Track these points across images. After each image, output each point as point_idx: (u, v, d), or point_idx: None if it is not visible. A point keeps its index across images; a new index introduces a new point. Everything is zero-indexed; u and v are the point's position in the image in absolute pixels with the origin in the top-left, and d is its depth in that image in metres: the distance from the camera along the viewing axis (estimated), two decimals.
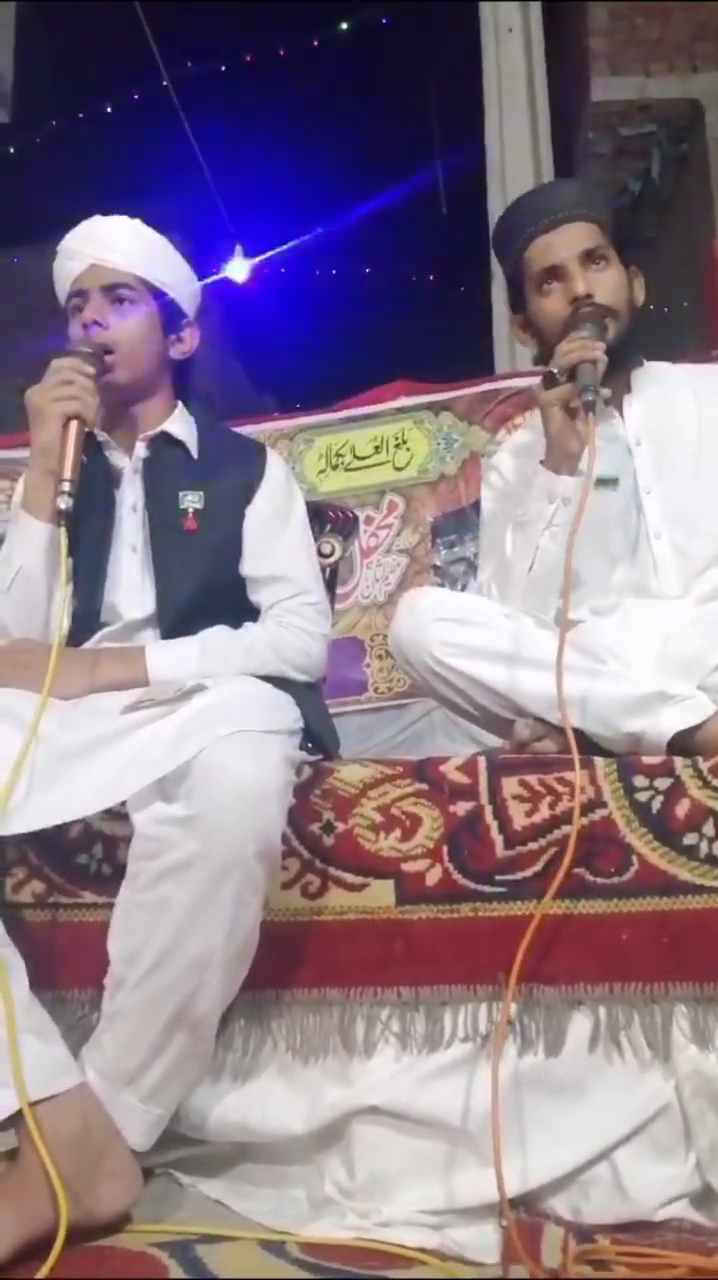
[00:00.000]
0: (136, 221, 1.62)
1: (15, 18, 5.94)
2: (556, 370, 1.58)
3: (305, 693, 1.51)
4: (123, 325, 1.55)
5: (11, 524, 1.49)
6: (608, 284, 1.66)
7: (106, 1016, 1.18)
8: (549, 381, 1.60)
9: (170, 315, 1.62)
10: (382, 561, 3.54)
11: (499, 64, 4.49)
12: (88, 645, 1.52)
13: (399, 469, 3.59)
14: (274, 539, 1.59)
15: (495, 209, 4.43)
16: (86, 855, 1.31)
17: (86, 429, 1.43)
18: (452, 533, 3.49)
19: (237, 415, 3.60)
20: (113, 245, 1.58)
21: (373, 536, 3.55)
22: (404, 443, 3.60)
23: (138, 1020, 1.15)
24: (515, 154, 4.38)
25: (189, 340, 1.65)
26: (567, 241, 1.66)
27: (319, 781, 1.34)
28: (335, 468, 3.63)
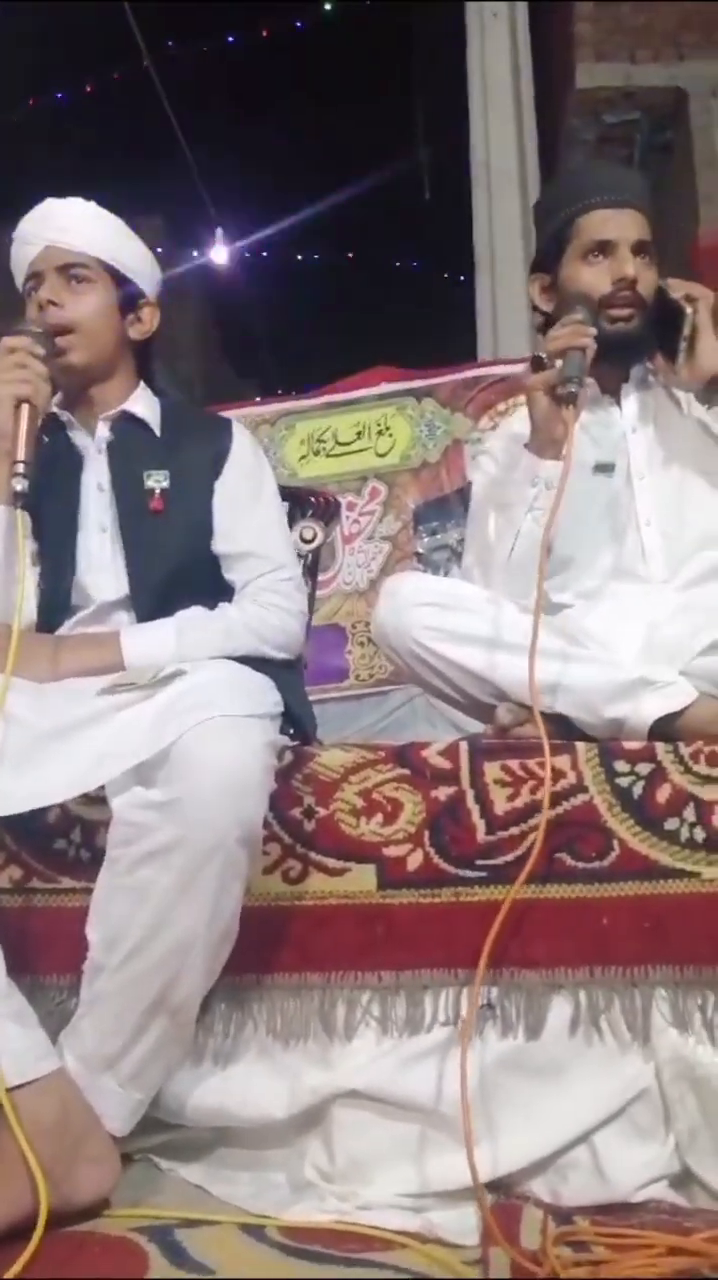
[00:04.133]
0: (92, 204, 1.61)
1: None
2: (544, 355, 1.57)
3: (286, 675, 1.49)
4: (79, 305, 1.54)
5: None
6: (648, 278, 1.68)
7: (85, 1002, 1.17)
8: (537, 365, 1.60)
9: (128, 295, 1.60)
10: (363, 548, 3.53)
11: (484, 49, 4.48)
12: (63, 630, 1.50)
13: (381, 455, 3.58)
14: (245, 515, 1.57)
15: (480, 194, 4.42)
16: (64, 840, 1.30)
17: (40, 412, 1.40)
18: (434, 519, 3.49)
19: (218, 400, 3.58)
20: (67, 226, 1.57)
21: (355, 523, 3.54)
22: (387, 429, 3.59)
23: (118, 1005, 1.15)
24: (500, 139, 4.37)
25: (148, 320, 1.63)
26: (627, 224, 1.67)
27: (300, 766, 1.33)
28: (317, 453, 3.62)
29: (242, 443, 1.62)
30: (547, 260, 1.74)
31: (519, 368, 3.26)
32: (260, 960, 1.27)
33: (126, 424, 1.59)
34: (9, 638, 1.26)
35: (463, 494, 3.27)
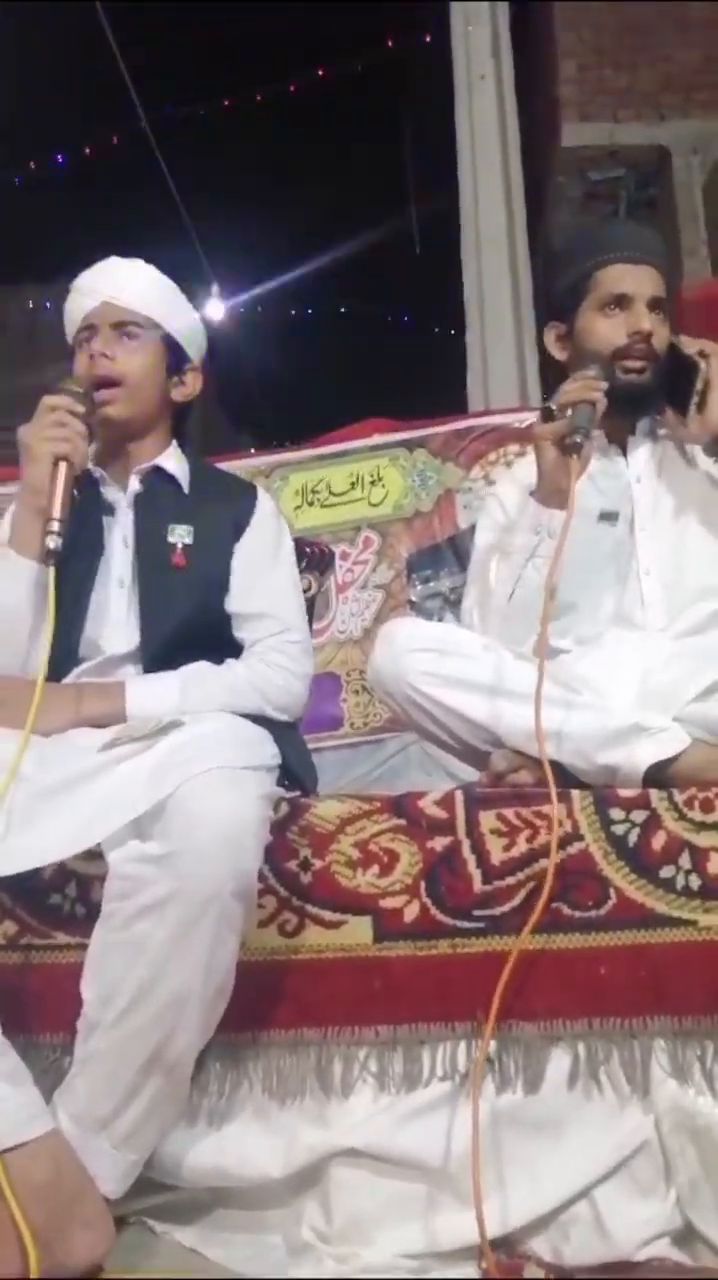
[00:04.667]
0: (151, 267, 1.66)
1: None
2: (554, 406, 1.61)
3: (283, 729, 1.50)
4: (128, 360, 1.58)
5: None
6: (662, 334, 1.72)
7: (79, 1060, 1.16)
8: (547, 416, 1.63)
9: (175, 357, 1.64)
10: (358, 596, 3.54)
11: (472, 110, 4.59)
12: (67, 680, 1.51)
13: (374, 505, 3.60)
14: (261, 576, 1.60)
15: (469, 251, 4.50)
16: (59, 895, 1.29)
17: (77, 469, 1.43)
18: (427, 568, 3.50)
19: (214, 452, 3.61)
20: (125, 285, 1.61)
21: (349, 572, 3.55)
22: (379, 479, 3.62)
23: (112, 1063, 1.14)
24: (488, 196, 4.46)
25: (191, 384, 1.68)
26: (644, 280, 1.72)
27: (296, 818, 1.33)
28: (311, 504, 3.64)
29: (264, 508, 1.65)
30: (563, 310, 1.79)
31: (509, 418, 3.30)
32: (256, 1016, 1.25)
33: (156, 479, 1.62)
34: (29, 690, 1.26)
35: (455, 542, 3.29)
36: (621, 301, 1.71)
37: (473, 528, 3.41)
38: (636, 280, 1.72)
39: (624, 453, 1.78)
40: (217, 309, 7.58)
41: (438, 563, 3.42)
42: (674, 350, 1.69)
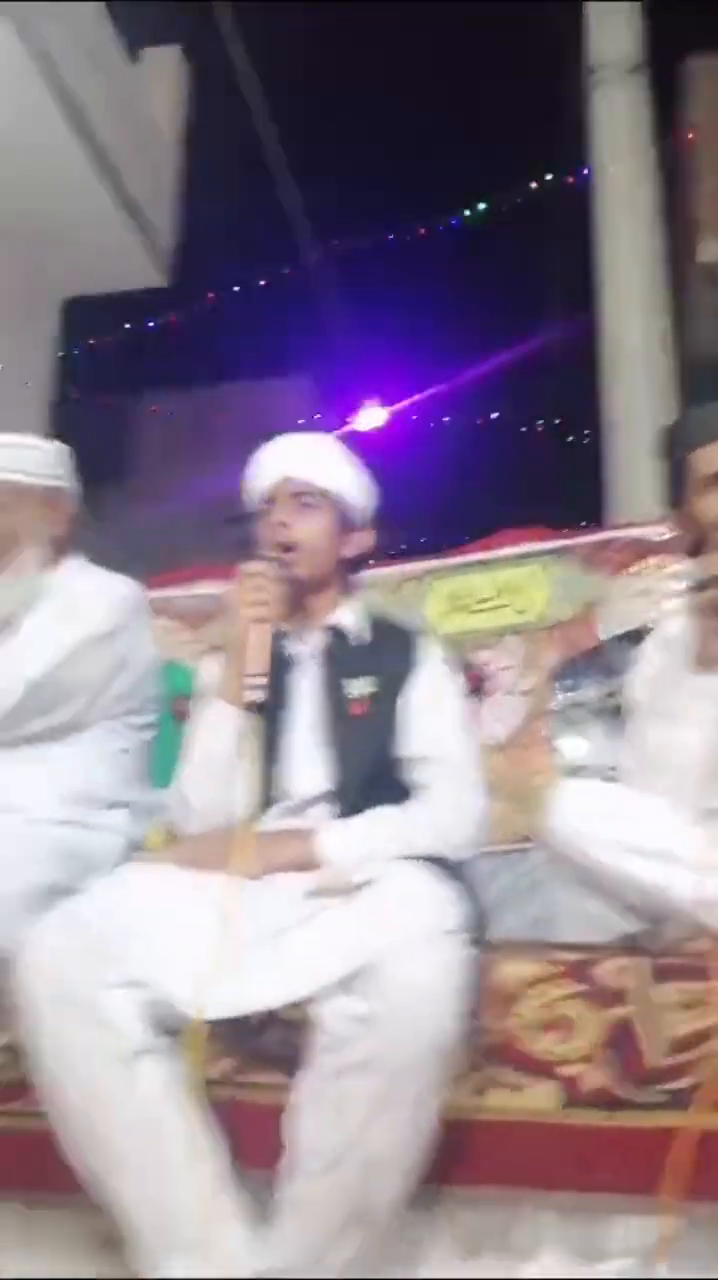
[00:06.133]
0: (326, 440, 1.85)
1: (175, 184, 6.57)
2: (704, 579, 1.68)
3: (460, 871, 1.58)
4: (307, 527, 1.74)
5: (201, 709, 1.65)
6: None
7: (288, 1202, 1.24)
8: (699, 586, 1.70)
9: (347, 520, 1.79)
10: (501, 702, 3.60)
11: (612, 231, 4.74)
12: (261, 823, 1.63)
13: (520, 613, 3.67)
14: (430, 722, 1.69)
15: (609, 363, 4.61)
16: (267, 1037, 1.38)
17: (273, 629, 1.58)
18: (570, 677, 3.54)
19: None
20: (302, 461, 1.78)
21: (492, 679, 3.62)
22: (525, 588, 3.69)
23: (318, 1211, 1.22)
24: (627, 311, 4.58)
25: (361, 542, 1.81)
26: None
27: (482, 976, 1.39)
28: (458, 610, 3.74)
29: (429, 654, 1.77)
30: (676, 497, 1.86)
31: (649, 530, 3.36)
32: (443, 1170, 1.31)
33: (335, 632, 1.76)
34: (232, 837, 1.39)
35: (598, 652, 3.34)
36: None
37: (616, 639, 3.48)
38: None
39: None
40: (372, 418, 8.06)
41: (581, 672, 3.45)
42: None
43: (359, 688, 1.69)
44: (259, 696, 1.50)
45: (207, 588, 3.35)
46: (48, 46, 5.08)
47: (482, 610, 3.72)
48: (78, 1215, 1.38)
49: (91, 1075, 1.24)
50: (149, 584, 3.10)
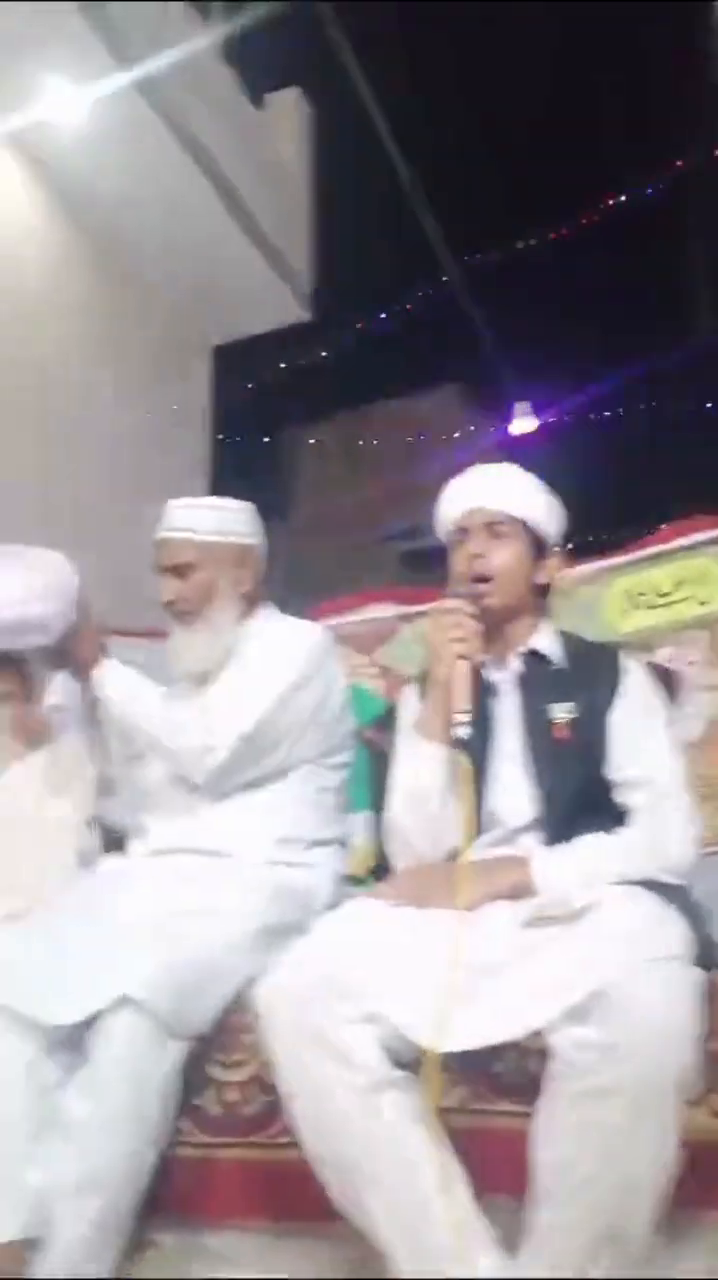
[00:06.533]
0: (514, 469, 1.85)
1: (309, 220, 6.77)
2: None
3: (680, 893, 1.55)
4: (499, 557, 1.75)
5: (406, 746, 1.69)
6: None
7: (541, 1227, 1.26)
8: None
9: (539, 546, 1.80)
10: (692, 698, 3.48)
11: None
12: (471, 852, 1.64)
13: (703, 604, 3.55)
14: (637, 744, 1.68)
15: None
16: (501, 1064, 1.40)
17: (475, 663, 1.60)
18: None
19: None
20: (491, 491, 1.81)
21: (679, 675, 3.50)
22: (703, 578, 3.56)
23: (570, 1234, 1.24)
24: None
25: (552, 568, 1.82)
26: None
27: (711, 999, 1.36)
28: (638, 606, 3.64)
29: (634, 676, 1.75)
30: None
31: None
32: (690, 1193, 1.29)
33: (534, 658, 1.77)
34: (450, 871, 1.41)
35: None
36: None
37: None
38: None
39: None
40: (525, 424, 8.05)
41: None
42: None
43: (561, 712, 1.69)
44: (466, 733, 1.54)
45: (376, 611, 3.40)
46: (177, 104, 5.31)
47: (662, 605, 3.62)
48: (326, 1244, 1.43)
49: (339, 1109, 1.30)
50: (320, 611, 3.19)
